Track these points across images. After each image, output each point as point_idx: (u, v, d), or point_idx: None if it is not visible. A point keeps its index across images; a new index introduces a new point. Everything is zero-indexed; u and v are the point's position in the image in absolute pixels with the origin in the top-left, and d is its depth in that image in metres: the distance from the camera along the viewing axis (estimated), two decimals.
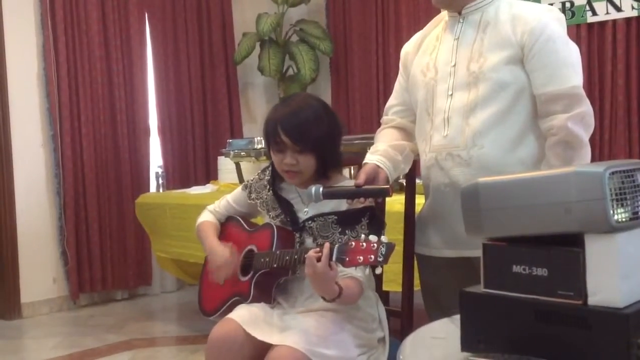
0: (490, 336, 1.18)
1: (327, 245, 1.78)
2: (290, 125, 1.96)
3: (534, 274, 1.14)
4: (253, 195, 2.18)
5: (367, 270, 1.80)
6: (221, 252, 2.09)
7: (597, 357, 1.05)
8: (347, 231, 1.95)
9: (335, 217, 1.99)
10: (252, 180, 2.21)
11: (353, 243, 1.75)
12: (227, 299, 2.09)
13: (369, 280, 2.01)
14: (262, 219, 2.19)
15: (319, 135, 1.97)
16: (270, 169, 2.17)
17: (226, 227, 2.25)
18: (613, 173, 1.08)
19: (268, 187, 2.14)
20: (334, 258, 1.77)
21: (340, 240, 1.91)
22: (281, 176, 2.12)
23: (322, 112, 2.01)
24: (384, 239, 1.74)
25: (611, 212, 1.06)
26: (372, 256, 1.71)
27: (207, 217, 2.26)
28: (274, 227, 2.05)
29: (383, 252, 1.71)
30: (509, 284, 1.17)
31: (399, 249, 2.15)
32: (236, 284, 2.07)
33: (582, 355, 1.07)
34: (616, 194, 1.07)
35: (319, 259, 1.76)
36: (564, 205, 1.09)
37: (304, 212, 2.06)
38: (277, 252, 1.97)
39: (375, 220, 1.98)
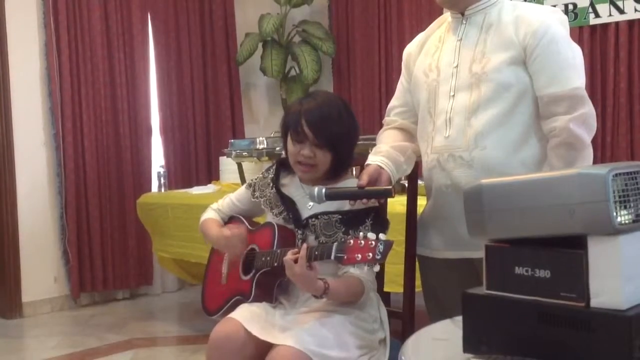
0: (493, 338, 1.17)
1: (304, 246, 1.83)
2: (314, 118, 1.99)
3: (536, 275, 1.14)
4: (257, 194, 2.19)
5: (366, 268, 1.81)
6: (222, 233, 2.13)
7: (600, 359, 1.05)
8: (350, 231, 1.95)
9: (340, 217, 2.00)
10: (256, 179, 2.22)
11: (351, 241, 1.77)
12: (228, 298, 2.10)
13: (372, 276, 2.01)
14: (265, 218, 2.19)
15: (340, 132, 2.00)
16: (274, 167, 2.17)
17: (228, 225, 2.25)
18: (616, 175, 1.07)
19: (271, 184, 2.15)
20: (332, 256, 1.79)
21: (342, 240, 1.91)
22: (285, 173, 2.14)
23: (344, 111, 2.04)
24: (382, 236, 1.76)
25: (614, 214, 1.06)
26: (370, 254, 1.73)
27: (210, 215, 2.27)
28: (275, 225, 2.06)
29: (381, 250, 1.73)
30: (512, 285, 1.17)
31: (400, 250, 2.15)
32: (238, 283, 2.08)
33: (585, 357, 1.06)
34: (619, 196, 1.07)
35: (296, 261, 1.79)
36: (567, 207, 1.09)
37: (308, 207, 2.06)
38: (278, 250, 1.97)
39: (380, 220, 1.98)
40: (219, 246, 2.16)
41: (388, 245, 1.75)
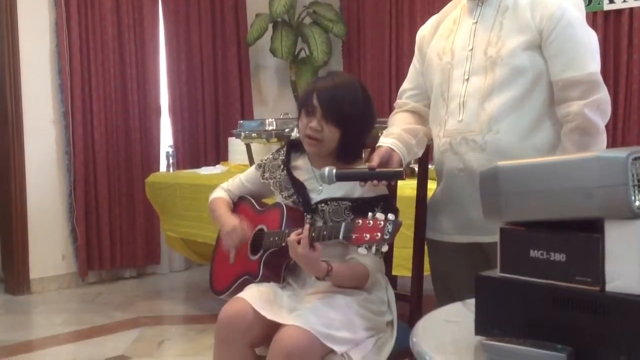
0: (505, 321, 1.17)
1: (306, 227, 1.83)
2: (326, 95, 1.98)
3: (551, 259, 1.13)
4: (266, 175, 2.18)
5: (372, 254, 1.81)
6: (230, 220, 2.11)
7: (614, 343, 1.04)
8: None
9: (349, 204, 1.99)
10: (266, 160, 2.21)
11: (360, 221, 1.77)
12: (236, 278, 2.10)
13: (379, 264, 2.01)
14: (274, 199, 2.19)
15: (350, 113, 1.98)
16: (284, 149, 2.17)
17: (237, 206, 2.25)
18: (636, 159, 1.06)
19: (282, 166, 2.14)
20: (340, 236, 1.79)
21: (351, 219, 1.91)
22: (296, 155, 2.14)
23: (360, 95, 2.02)
24: (390, 216, 1.76)
25: (632, 198, 1.04)
26: (379, 233, 1.73)
27: (220, 194, 2.27)
28: (284, 206, 2.06)
29: (389, 230, 1.73)
30: (526, 268, 1.16)
31: (409, 234, 2.15)
32: (246, 263, 2.08)
33: (599, 341, 1.06)
34: (638, 180, 1.05)
35: (299, 242, 1.80)
36: (584, 191, 1.08)
37: (318, 192, 2.06)
38: (286, 231, 1.97)
39: (389, 208, 1.97)
40: (222, 229, 2.14)
41: (397, 225, 1.75)
